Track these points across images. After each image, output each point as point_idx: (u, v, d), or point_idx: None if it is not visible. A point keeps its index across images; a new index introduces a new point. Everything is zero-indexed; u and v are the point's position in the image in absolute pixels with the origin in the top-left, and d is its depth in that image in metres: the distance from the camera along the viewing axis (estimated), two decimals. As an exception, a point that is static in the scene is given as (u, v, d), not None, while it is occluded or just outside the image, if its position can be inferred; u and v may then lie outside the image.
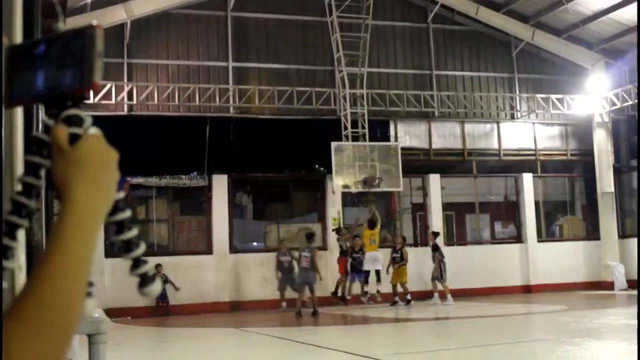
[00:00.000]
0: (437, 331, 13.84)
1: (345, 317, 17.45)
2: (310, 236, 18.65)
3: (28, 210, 1.19)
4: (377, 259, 19.86)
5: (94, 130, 1.21)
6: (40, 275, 1.09)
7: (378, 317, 16.92)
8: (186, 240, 21.72)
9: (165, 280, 19.89)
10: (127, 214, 1.25)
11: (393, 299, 19.77)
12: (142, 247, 1.28)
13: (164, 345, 13.01)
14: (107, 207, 1.20)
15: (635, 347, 9.27)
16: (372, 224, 20.44)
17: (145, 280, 1.28)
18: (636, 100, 22.89)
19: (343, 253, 20.39)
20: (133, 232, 1.27)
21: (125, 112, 21.14)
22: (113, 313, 16.31)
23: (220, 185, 21.31)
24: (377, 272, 19.92)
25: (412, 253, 21.28)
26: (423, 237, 23.35)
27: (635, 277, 22.92)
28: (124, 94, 20.90)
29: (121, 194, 1.24)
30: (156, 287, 1.27)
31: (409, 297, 19.62)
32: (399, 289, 19.78)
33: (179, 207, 21.85)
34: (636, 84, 22.80)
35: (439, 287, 19.99)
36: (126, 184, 20.26)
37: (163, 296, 19.85)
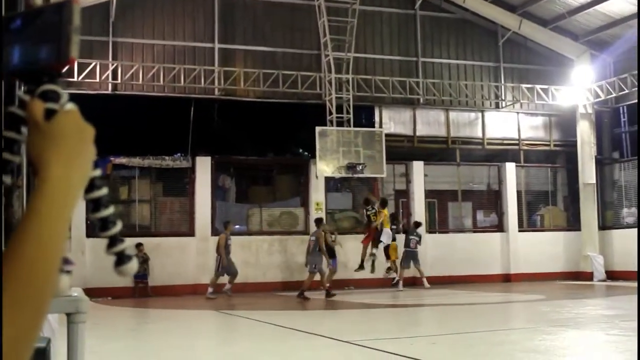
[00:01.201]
0: (414, 318, 13.90)
1: (333, 303, 17.46)
2: (319, 221, 19.01)
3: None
4: (390, 235, 19.92)
5: (70, 106, 1.20)
6: (13, 249, 1.08)
7: (359, 303, 16.97)
8: (168, 222, 21.67)
9: (145, 260, 19.89)
10: (104, 191, 1.24)
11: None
12: (119, 226, 1.27)
13: (145, 326, 13.00)
14: (82, 183, 1.19)
15: (612, 337, 9.35)
16: (384, 203, 20.48)
17: (121, 259, 1.27)
18: (620, 93, 23.00)
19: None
20: (109, 210, 1.26)
21: (109, 91, 21.01)
22: (94, 293, 16.24)
23: (203, 167, 21.26)
24: (387, 248, 19.95)
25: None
26: (406, 224, 23.36)
27: (615, 268, 23.12)
28: (109, 72, 20.76)
29: (98, 172, 1.23)
30: (132, 266, 1.26)
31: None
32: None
33: (161, 188, 21.78)
34: (620, 77, 22.88)
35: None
36: (109, 164, 20.20)
37: (143, 276, 19.83)
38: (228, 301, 17.75)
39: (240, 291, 20.18)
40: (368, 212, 19.82)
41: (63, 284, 3.74)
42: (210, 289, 18.60)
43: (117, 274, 1.29)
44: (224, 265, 18.69)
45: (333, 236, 19.40)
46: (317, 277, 18.28)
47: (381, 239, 19.71)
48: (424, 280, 20.46)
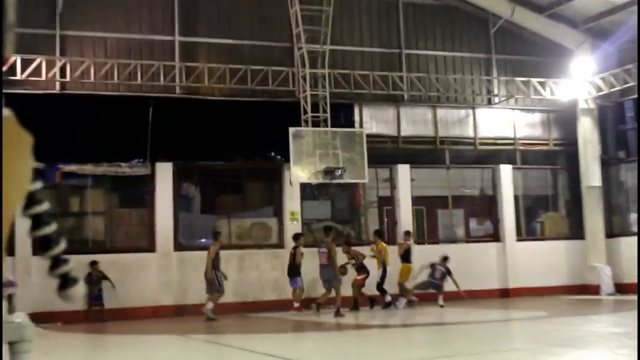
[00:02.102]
0: (406, 339, 13.85)
1: (315, 324, 17.39)
2: (327, 229, 19.39)
3: None
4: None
5: (6, 113, 1.12)
6: None
7: (346, 324, 16.91)
8: (125, 236, 21.49)
9: (102, 279, 19.73)
10: (44, 207, 1.16)
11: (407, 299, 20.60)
12: (62, 245, 1.18)
13: (99, 356, 12.85)
14: (19, 197, 1.11)
15: (622, 357, 9.34)
16: (380, 234, 21.46)
17: (66, 282, 1.19)
18: (624, 85, 23.11)
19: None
20: (51, 228, 1.18)
21: (57, 90, 20.82)
22: (42, 318, 16.05)
23: (164, 174, 21.12)
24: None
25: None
26: (391, 234, 23.35)
27: (624, 280, 23.15)
28: (56, 70, 20.56)
29: (38, 185, 1.15)
30: (78, 289, 1.19)
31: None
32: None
33: (117, 199, 21.64)
34: (624, 68, 22.99)
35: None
36: (57, 172, 20.00)
37: (98, 297, 19.66)
38: (206, 324, 17.63)
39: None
40: (348, 263, 20.08)
41: (4, 310, 3.64)
42: (210, 305, 18.47)
43: (61, 298, 1.21)
44: (209, 279, 18.57)
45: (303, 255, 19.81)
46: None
47: (383, 282, 20.28)
48: (440, 297, 20.41)
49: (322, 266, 18.62)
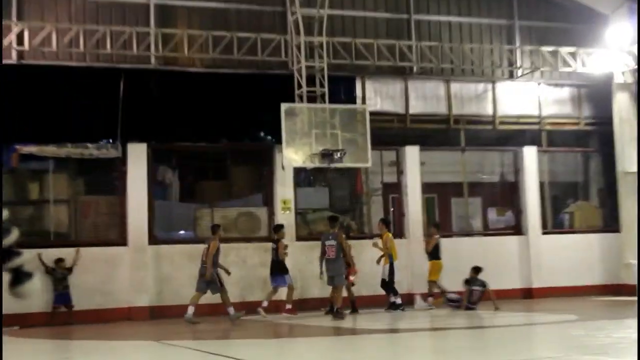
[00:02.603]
0: (415, 345, 13.86)
1: (307, 328, 17.40)
2: (334, 220, 19.33)
3: None
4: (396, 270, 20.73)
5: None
6: None
7: (351, 329, 16.92)
8: (93, 227, 21.48)
9: (65, 277, 19.73)
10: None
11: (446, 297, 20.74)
12: (15, 234, 1.15)
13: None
14: None
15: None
16: (388, 222, 21.35)
17: (18, 277, 1.15)
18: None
19: None
20: (2, 215, 1.14)
21: (13, 60, 20.74)
22: (-4, 321, 16.02)
23: (137, 156, 21.06)
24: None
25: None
26: (397, 226, 23.35)
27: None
28: (12, 36, 20.48)
29: None
30: (32, 285, 1.15)
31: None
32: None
33: (83, 185, 21.62)
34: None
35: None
36: (14, 154, 19.98)
37: (64, 298, 19.67)
38: (188, 327, 17.66)
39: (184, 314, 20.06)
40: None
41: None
42: (230, 310, 18.58)
43: (12, 296, 1.17)
44: (208, 279, 18.57)
45: (287, 249, 19.91)
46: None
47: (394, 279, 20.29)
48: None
49: (330, 261, 18.58)
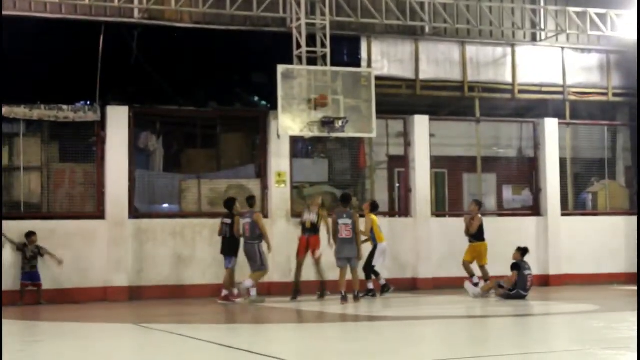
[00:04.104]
0: (419, 333, 13.95)
1: (302, 313, 17.47)
2: (346, 198, 19.64)
3: None
4: (385, 252, 20.80)
5: None
6: None
7: (341, 314, 17.00)
8: (67, 198, 21.49)
9: (38, 254, 19.79)
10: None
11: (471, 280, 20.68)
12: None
13: (28, 347, 12.92)
14: None
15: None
16: (375, 206, 21.15)
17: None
18: None
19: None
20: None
21: (-18, 11, 20.74)
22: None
23: (117, 120, 21.04)
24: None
25: (386, 226, 21.48)
26: (403, 203, 23.40)
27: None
28: (-18, -15, 20.47)
29: None
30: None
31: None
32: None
33: (57, 151, 21.57)
34: None
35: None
36: (-20, 115, 19.99)
37: (33, 276, 19.74)
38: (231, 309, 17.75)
39: (169, 296, 20.16)
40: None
41: None
42: (250, 287, 18.95)
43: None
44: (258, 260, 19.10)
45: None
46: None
47: (374, 263, 20.23)
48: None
49: (344, 241, 18.71)
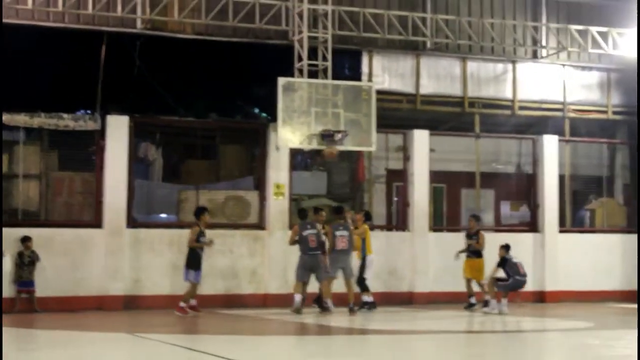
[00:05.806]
0: (407, 349, 13.89)
1: (303, 325, 17.41)
2: (340, 210, 19.97)
3: None
4: (373, 263, 20.67)
5: None
6: None
7: (338, 327, 16.96)
8: (66, 207, 21.48)
9: (32, 261, 19.74)
10: None
11: (469, 301, 20.78)
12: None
13: (22, 355, 12.85)
14: None
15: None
16: (368, 216, 21.22)
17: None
18: None
19: None
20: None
21: (-16, 18, 20.74)
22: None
23: (117, 130, 21.00)
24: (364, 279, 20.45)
25: (383, 239, 21.48)
26: (401, 217, 23.34)
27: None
28: (-16, -8, 20.48)
29: None
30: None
31: (487, 297, 20.40)
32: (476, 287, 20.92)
33: (56, 159, 21.57)
34: None
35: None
36: (-19, 122, 19.97)
37: (27, 283, 19.67)
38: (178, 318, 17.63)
39: (165, 306, 20.07)
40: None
41: None
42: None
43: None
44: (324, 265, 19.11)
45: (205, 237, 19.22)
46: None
47: (365, 275, 20.23)
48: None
49: (342, 252, 18.95)
